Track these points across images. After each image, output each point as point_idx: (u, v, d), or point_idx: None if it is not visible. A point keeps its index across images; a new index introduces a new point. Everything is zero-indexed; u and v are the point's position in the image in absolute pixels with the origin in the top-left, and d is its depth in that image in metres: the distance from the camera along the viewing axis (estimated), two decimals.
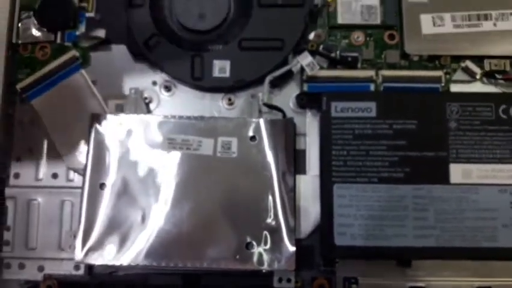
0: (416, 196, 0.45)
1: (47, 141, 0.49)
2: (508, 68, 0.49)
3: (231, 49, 0.48)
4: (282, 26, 0.48)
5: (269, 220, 0.44)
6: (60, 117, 0.49)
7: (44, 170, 0.49)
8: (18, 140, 0.49)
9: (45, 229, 0.47)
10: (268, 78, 0.48)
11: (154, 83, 0.50)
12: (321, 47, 0.49)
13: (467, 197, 0.45)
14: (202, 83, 0.48)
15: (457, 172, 0.46)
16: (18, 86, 0.48)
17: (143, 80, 0.50)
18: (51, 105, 0.49)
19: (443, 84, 0.48)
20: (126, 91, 0.49)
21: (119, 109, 0.49)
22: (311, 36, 0.49)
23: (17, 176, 0.48)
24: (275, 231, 0.44)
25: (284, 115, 0.48)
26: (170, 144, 0.46)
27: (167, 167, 0.46)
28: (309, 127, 0.48)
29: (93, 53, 0.50)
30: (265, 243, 0.44)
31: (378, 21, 0.49)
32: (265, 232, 0.44)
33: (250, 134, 0.46)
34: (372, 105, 0.47)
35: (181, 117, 0.47)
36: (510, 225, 0.45)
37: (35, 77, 0.48)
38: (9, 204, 0.48)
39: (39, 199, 0.48)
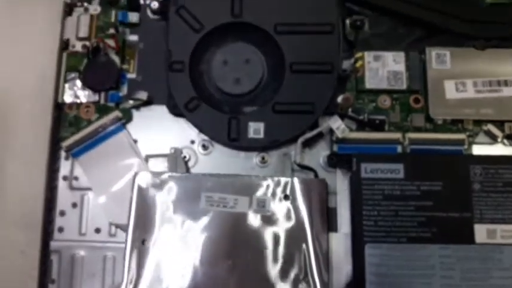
0: (443, 255, 0.48)
1: (90, 196, 0.53)
2: None
3: (265, 112, 0.52)
4: (312, 91, 0.52)
5: (304, 278, 0.48)
6: (103, 174, 0.52)
7: (87, 224, 0.52)
8: (62, 195, 0.53)
9: (89, 283, 0.50)
10: (300, 140, 0.52)
11: (192, 142, 0.54)
12: (349, 110, 0.53)
13: (492, 257, 0.48)
14: (238, 143, 0.52)
15: (482, 232, 0.49)
16: (64, 144, 0.52)
17: (182, 139, 0.54)
18: (94, 162, 0.53)
19: (466, 147, 0.52)
20: (166, 149, 0.53)
21: (160, 167, 0.53)
22: (340, 99, 0.53)
23: (61, 230, 0.52)
24: None
25: (316, 175, 0.51)
26: (208, 201, 0.50)
27: (206, 224, 0.49)
28: (339, 186, 0.52)
29: (135, 111, 0.54)
30: None
31: (404, 87, 0.53)
32: None
33: (285, 193, 0.50)
34: (400, 167, 0.51)
35: (218, 175, 0.51)
36: None
37: (80, 135, 0.52)
38: (54, 257, 0.51)
39: (83, 253, 0.51)
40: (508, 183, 0.50)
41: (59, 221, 0.52)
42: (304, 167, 0.52)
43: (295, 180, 0.50)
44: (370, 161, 0.51)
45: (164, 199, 0.50)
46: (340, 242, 0.50)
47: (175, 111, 0.53)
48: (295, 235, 0.48)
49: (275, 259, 0.48)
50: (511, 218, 0.49)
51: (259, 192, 0.50)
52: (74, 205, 0.53)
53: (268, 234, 0.48)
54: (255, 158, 0.53)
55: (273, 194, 0.50)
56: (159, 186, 0.50)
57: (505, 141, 0.53)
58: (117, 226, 0.51)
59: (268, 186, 0.50)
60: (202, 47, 0.54)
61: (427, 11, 0.54)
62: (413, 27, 0.55)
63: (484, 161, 0.51)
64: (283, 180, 0.50)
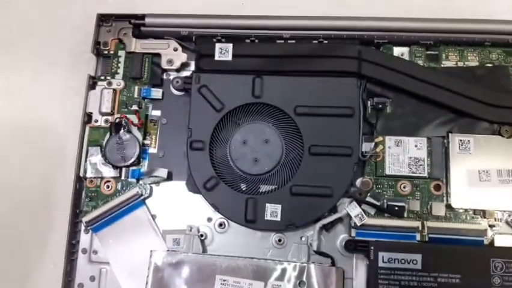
0: None
1: (108, 270, 0.57)
2: None
3: (282, 194, 0.56)
4: (331, 174, 0.55)
5: None
6: (121, 249, 0.57)
7: None
8: (81, 268, 0.57)
9: None
10: (317, 226, 0.55)
11: (209, 220, 0.58)
12: (368, 194, 0.56)
13: None
14: (254, 225, 0.55)
15: None
16: (84, 219, 0.57)
17: (199, 216, 0.58)
18: (113, 237, 0.57)
19: (488, 237, 0.54)
20: (183, 226, 0.57)
21: (177, 243, 0.56)
22: (358, 183, 0.56)
23: None
24: None
25: (333, 262, 0.54)
26: (222, 285, 0.53)
27: None
28: (356, 271, 0.54)
29: (155, 187, 0.59)
30: None
31: (425, 174, 0.56)
32: None
33: (300, 279, 0.53)
34: (418, 257, 0.53)
35: (233, 257, 0.54)
36: None
37: (100, 211, 0.57)
38: None
39: None
40: None
41: None
42: (322, 254, 0.55)
43: (312, 267, 0.53)
44: (388, 250, 0.53)
45: (180, 279, 0.53)
46: None
47: (194, 189, 0.57)
48: None
49: None
50: None
51: (274, 277, 0.53)
52: (93, 278, 0.57)
53: None
54: (271, 238, 0.57)
55: (288, 280, 0.53)
56: (175, 265, 0.54)
57: None
58: None
59: (283, 271, 0.53)
60: (222, 126, 0.58)
61: (452, 94, 0.57)
62: (437, 111, 0.57)
63: (505, 254, 0.53)
64: (299, 265, 0.53)
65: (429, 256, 0.53)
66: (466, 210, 0.55)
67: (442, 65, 0.59)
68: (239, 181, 0.58)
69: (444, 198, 0.56)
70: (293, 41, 0.61)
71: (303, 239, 0.56)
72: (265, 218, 0.55)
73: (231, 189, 0.57)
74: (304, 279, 0.53)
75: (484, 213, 0.55)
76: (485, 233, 0.54)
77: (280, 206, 0.56)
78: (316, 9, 0.63)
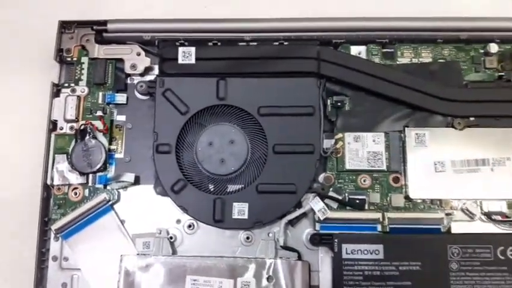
0: None
1: (79, 277, 0.59)
2: (504, 209, 0.59)
3: (249, 192, 0.59)
4: (294, 171, 0.59)
5: None
6: (92, 254, 0.59)
7: None
8: (52, 275, 0.60)
9: None
10: (283, 222, 0.58)
11: (178, 222, 0.61)
12: (330, 189, 0.60)
13: None
14: (222, 224, 0.59)
15: None
16: (53, 227, 0.59)
17: (168, 219, 0.61)
18: (83, 243, 0.59)
19: (444, 225, 0.59)
20: (152, 229, 0.60)
21: (146, 246, 0.59)
22: (321, 178, 0.61)
23: None
24: None
25: (299, 256, 0.58)
26: (193, 285, 0.56)
27: None
28: (322, 264, 0.58)
29: (123, 192, 0.61)
30: None
31: (384, 167, 0.60)
32: None
33: (268, 274, 0.56)
34: (380, 247, 0.57)
35: (202, 257, 0.57)
36: None
37: (69, 218, 0.59)
38: None
39: None
40: (484, 262, 0.57)
41: None
42: (288, 249, 0.58)
43: (278, 262, 0.56)
44: (351, 241, 0.57)
45: (150, 282, 0.56)
46: None
47: (162, 192, 0.60)
48: None
49: None
50: None
51: (243, 274, 0.56)
52: (64, 285, 0.59)
53: None
54: (240, 236, 0.60)
55: (257, 276, 0.56)
56: (145, 268, 0.57)
57: (483, 217, 0.60)
58: None
59: (252, 268, 0.57)
60: (188, 128, 0.61)
61: (407, 90, 0.61)
62: (393, 107, 0.62)
63: (461, 240, 0.57)
64: (267, 262, 0.57)
65: (390, 246, 0.57)
66: (423, 200, 0.60)
67: (398, 62, 0.64)
68: (206, 182, 0.61)
69: (403, 190, 0.60)
70: (255, 43, 0.64)
71: (270, 235, 0.60)
72: (233, 217, 0.59)
73: (199, 190, 0.60)
74: (272, 274, 0.56)
75: (440, 203, 0.60)
76: (442, 221, 0.59)
77: (247, 204, 0.59)
78: (277, 11, 0.66)
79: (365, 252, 0.57)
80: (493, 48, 0.63)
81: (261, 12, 0.66)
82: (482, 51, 0.64)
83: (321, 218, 0.58)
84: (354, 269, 0.57)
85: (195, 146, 0.61)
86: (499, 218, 0.59)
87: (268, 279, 0.56)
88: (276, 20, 0.64)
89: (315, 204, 0.58)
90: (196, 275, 0.56)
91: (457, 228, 0.59)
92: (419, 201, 0.60)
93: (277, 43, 0.64)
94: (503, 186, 0.59)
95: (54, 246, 0.60)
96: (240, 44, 0.65)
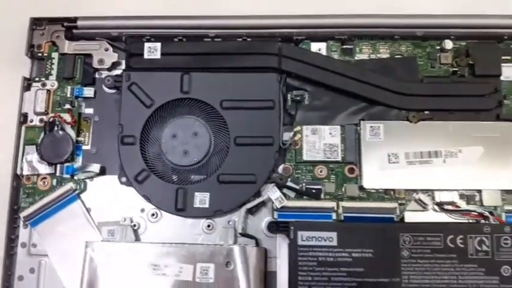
0: None
1: (47, 262, 0.63)
2: (456, 199, 0.63)
3: (210, 182, 0.64)
4: (255, 162, 0.63)
5: None
6: (59, 241, 0.63)
7: None
8: (21, 261, 0.64)
9: None
10: (243, 210, 0.62)
11: (142, 210, 0.65)
12: (289, 179, 0.64)
13: None
14: (184, 213, 0.63)
15: None
16: (22, 214, 0.64)
17: (132, 208, 0.65)
18: (51, 230, 0.64)
19: (397, 214, 0.63)
20: (117, 217, 0.64)
21: (111, 234, 0.63)
22: (280, 169, 0.65)
23: None
24: None
25: (257, 242, 0.62)
26: (154, 270, 0.60)
27: None
28: (279, 250, 0.62)
29: (89, 182, 0.65)
30: None
31: (339, 158, 0.64)
32: None
33: (227, 260, 0.60)
34: (334, 235, 0.61)
35: (164, 244, 0.61)
36: None
37: (37, 206, 0.64)
38: None
39: None
40: (434, 250, 0.60)
41: (17, 286, 0.63)
42: (246, 236, 0.62)
43: (236, 248, 0.60)
44: (306, 229, 0.61)
45: (114, 267, 0.60)
46: None
47: (126, 183, 0.64)
48: None
49: None
50: (437, 283, 0.59)
51: (203, 260, 0.60)
52: (32, 270, 0.63)
53: None
54: (201, 224, 0.64)
55: (216, 262, 0.60)
56: (109, 255, 0.60)
57: (436, 207, 0.63)
58: None
59: (211, 253, 0.60)
60: (152, 121, 0.66)
61: (364, 85, 0.65)
62: (350, 101, 0.66)
63: (413, 229, 0.61)
64: (225, 248, 0.61)
65: (343, 233, 0.61)
66: (377, 190, 0.64)
67: (356, 58, 0.68)
68: (170, 173, 0.65)
69: (358, 180, 0.64)
70: (219, 39, 0.69)
71: (230, 223, 0.64)
72: (195, 206, 0.63)
73: (162, 180, 0.64)
74: (230, 260, 0.60)
75: (393, 193, 0.64)
76: (395, 211, 0.63)
77: (208, 194, 0.63)
78: (240, 9, 0.70)
79: (320, 239, 0.61)
80: (448, 44, 0.67)
81: (226, 10, 0.69)
82: (438, 47, 0.68)
83: (278, 206, 0.62)
84: (308, 255, 0.60)
85: (159, 138, 0.65)
86: (450, 208, 0.64)
87: (226, 264, 0.60)
88: (239, 17, 0.68)
89: (272, 193, 0.62)
90: (158, 261, 0.61)
91: (410, 217, 0.63)
92: (372, 191, 0.64)
93: (240, 39, 0.68)
94: (454, 177, 0.63)
95: (23, 233, 0.64)
96: (205, 40, 0.68)
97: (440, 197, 0.63)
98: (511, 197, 0.64)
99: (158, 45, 0.67)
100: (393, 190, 0.64)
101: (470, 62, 0.67)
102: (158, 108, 0.65)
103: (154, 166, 0.65)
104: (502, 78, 0.67)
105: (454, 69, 0.67)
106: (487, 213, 0.63)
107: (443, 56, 0.67)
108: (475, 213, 0.63)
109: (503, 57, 0.67)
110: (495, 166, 0.64)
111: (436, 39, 0.68)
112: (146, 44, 0.67)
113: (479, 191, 0.64)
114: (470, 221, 0.64)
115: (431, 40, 0.68)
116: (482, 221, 0.63)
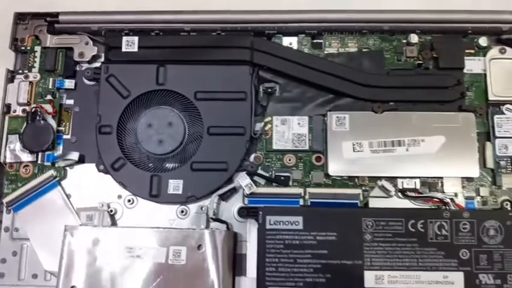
0: None
1: (28, 246, 0.68)
2: (418, 186, 0.67)
3: (184, 170, 0.68)
4: (227, 151, 0.68)
5: None
6: (40, 226, 0.67)
7: (25, 271, 0.67)
8: (4, 245, 0.68)
9: None
10: (214, 196, 0.66)
11: (119, 197, 0.69)
12: (259, 167, 0.68)
13: None
14: (158, 199, 0.67)
15: (371, 278, 0.63)
16: (5, 200, 0.68)
17: (110, 194, 0.69)
18: (32, 216, 0.68)
19: (361, 200, 0.67)
20: (96, 203, 0.68)
21: (89, 219, 0.67)
22: (252, 158, 0.69)
23: (2, 275, 0.67)
24: None
25: (228, 227, 0.66)
26: (129, 252, 0.64)
27: (127, 273, 0.63)
28: (249, 235, 0.66)
29: (69, 169, 0.70)
30: None
31: (307, 147, 0.68)
32: None
33: (198, 243, 0.64)
34: (300, 219, 0.65)
35: (139, 228, 0.65)
36: None
37: (19, 192, 0.68)
38: None
39: None
40: (396, 234, 0.64)
41: (0, 268, 0.67)
42: (217, 220, 0.67)
43: (207, 232, 0.64)
44: (274, 213, 0.65)
45: (91, 250, 0.64)
46: (247, 286, 0.65)
47: (103, 170, 0.68)
48: (204, 282, 0.62)
49: None
50: (398, 265, 0.63)
51: (176, 243, 0.64)
52: (15, 253, 0.68)
53: (182, 281, 0.62)
54: (176, 210, 0.68)
55: (188, 245, 0.64)
56: (87, 238, 0.64)
57: (399, 194, 0.67)
58: (51, 273, 0.66)
59: (184, 237, 0.64)
60: (129, 111, 0.70)
61: (332, 78, 0.69)
62: (319, 93, 0.70)
63: (375, 214, 0.65)
64: (197, 232, 0.65)
65: (309, 218, 0.64)
66: (342, 177, 0.68)
67: (326, 52, 0.72)
68: (145, 161, 0.69)
69: (324, 168, 0.68)
70: (194, 34, 0.72)
71: (203, 208, 0.68)
72: (168, 192, 0.67)
73: (137, 168, 0.68)
74: (202, 243, 0.64)
75: (357, 180, 0.68)
76: (359, 197, 0.67)
77: (182, 181, 0.67)
78: (214, 4, 0.73)
79: (286, 223, 0.65)
80: (413, 38, 0.71)
81: (201, 4, 0.73)
82: (404, 41, 0.72)
83: (248, 193, 0.66)
84: (276, 238, 0.64)
85: (135, 128, 0.69)
86: (413, 194, 0.68)
87: (198, 247, 0.64)
88: (214, 12, 0.72)
89: (242, 180, 0.66)
90: (133, 244, 0.64)
91: (375, 203, 0.68)
92: (338, 178, 0.68)
93: (214, 33, 0.72)
94: (417, 165, 0.67)
95: (6, 218, 0.69)
96: (182, 34, 0.72)
97: (402, 184, 0.67)
98: (471, 184, 0.68)
99: (135, 38, 0.71)
100: (357, 177, 0.68)
101: (435, 55, 0.70)
102: (135, 99, 0.69)
103: (130, 154, 0.69)
104: (464, 71, 0.70)
105: (419, 62, 0.71)
106: (447, 200, 0.67)
107: (409, 49, 0.71)
108: (436, 199, 0.67)
109: (466, 51, 0.71)
110: (456, 155, 0.68)
111: (403, 33, 0.72)
112: (124, 38, 0.71)
113: (441, 179, 0.68)
114: (432, 207, 0.68)
115: (398, 34, 0.72)
116: (444, 207, 0.67)
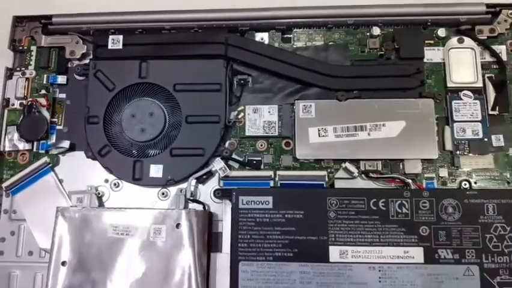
0: (302, 272, 0.66)
1: (25, 226, 0.72)
2: (380, 168, 0.70)
3: (164, 156, 0.72)
4: (203, 138, 0.72)
5: None
6: (35, 208, 0.72)
7: (22, 248, 0.72)
8: (3, 225, 0.73)
9: None
10: (191, 179, 0.70)
11: (106, 181, 0.74)
12: (233, 152, 0.72)
13: (343, 273, 0.65)
14: (140, 182, 0.71)
15: (335, 253, 0.66)
16: (4, 184, 0.73)
17: (97, 178, 0.74)
18: (29, 199, 0.73)
19: (326, 181, 0.70)
20: (85, 187, 0.73)
21: (80, 201, 0.72)
22: (227, 144, 0.73)
23: (1, 253, 0.72)
24: None
25: (204, 207, 0.70)
26: (114, 230, 0.68)
27: (113, 249, 0.68)
28: (225, 214, 0.70)
29: (61, 157, 0.75)
30: None
31: (276, 133, 0.72)
32: None
33: (176, 222, 0.68)
34: (270, 199, 0.68)
35: (124, 208, 0.69)
36: None
37: (16, 177, 0.73)
38: None
39: (18, 272, 0.71)
40: (359, 212, 0.67)
41: (0, 246, 0.72)
42: (194, 201, 0.71)
43: (184, 212, 0.68)
44: (246, 194, 0.69)
45: (80, 228, 0.69)
46: (223, 261, 0.68)
47: (91, 156, 0.73)
48: (182, 257, 0.66)
49: (167, 276, 0.66)
50: (360, 241, 0.66)
51: (157, 223, 0.68)
52: (13, 233, 0.73)
53: (162, 257, 0.66)
54: (157, 192, 0.73)
55: (167, 224, 0.68)
56: (77, 218, 0.69)
57: (363, 176, 0.70)
58: (45, 250, 0.71)
59: (164, 217, 0.68)
60: (114, 103, 0.74)
61: (299, 69, 0.73)
62: (288, 84, 0.74)
63: (339, 193, 0.68)
64: (176, 212, 0.69)
65: (278, 197, 0.68)
66: (309, 160, 0.72)
67: (294, 46, 0.76)
68: (129, 148, 0.74)
69: (292, 152, 0.72)
70: (174, 31, 0.77)
71: (182, 191, 0.72)
72: (150, 176, 0.71)
73: (121, 154, 0.73)
74: (180, 222, 0.68)
75: (323, 162, 0.71)
76: (324, 178, 0.70)
77: (162, 165, 0.72)
78: (192, 3, 0.77)
79: (258, 203, 0.68)
80: (376, 31, 0.74)
81: (180, 5, 0.77)
82: (367, 34, 0.75)
83: (222, 175, 0.70)
84: (248, 217, 0.68)
85: (119, 118, 0.74)
86: (375, 175, 0.71)
87: (177, 226, 0.68)
88: (191, 11, 0.76)
89: (216, 164, 0.70)
90: (118, 223, 0.69)
91: (340, 184, 0.71)
92: (305, 161, 0.72)
93: (192, 31, 0.76)
94: (378, 149, 0.70)
95: (5, 201, 0.74)
96: (163, 32, 0.77)
97: (365, 166, 0.71)
98: (431, 165, 0.72)
99: (120, 37, 0.76)
100: (323, 160, 0.71)
101: (396, 46, 0.74)
102: (120, 92, 0.74)
103: (115, 142, 0.73)
104: (424, 60, 0.74)
105: (381, 53, 0.75)
106: (408, 180, 0.70)
107: (372, 41, 0.75)
108: (398, 180, 0.71)
109: (426, 42, 0.75)
110: (416, 138, 0.71)
111: (366, 27, 0.75)
112: (110, 37, 0.76)
113: (401, 161, 0.71)
114: (395, 187, 0.71)
115: (361, 28, 0.75)
116: (405, 187, 0.70)
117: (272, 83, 0.74)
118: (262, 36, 0.76)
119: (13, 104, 0.76)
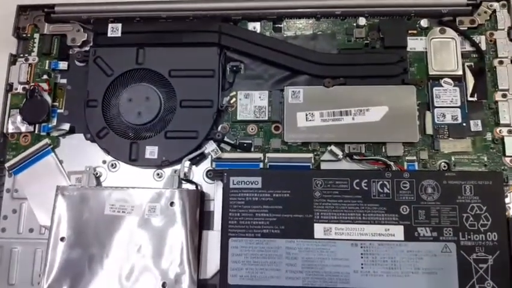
0: (288, 247, 0.68)
1: (26, 204, 0.74)
2: (363, 151, 0.72)
3: (159, 138, 0.74)
4: (197, 121, 0.73)
5: (180, 266, 0.67)
6: (36, 187, 0.74)
7: (23, 226, 0.74)
8: (5, 203, 0.75)
9: (22, 270, 0.72)
10: (184, 160, 0.72)
11: (104, 162, 0.75)
12: (225, 136, 0.74)
13: (327, 249, 0.67)
14: (136, 163, 0.73)
15: (320, 230, 0.68)
16: (7, 164, 0.75)
17: (96, 159, 0.75)
18: (30, 178, 0.75)
19: (313, 163, 0.72)
20: (83, 168, 0.74)
21: (78, 180, 0.74)
22: (220, 127, 0.75)
23: (3, 230, 0.74)
24: (183, 274, 0.67)
25: (196, 187, 0.72)
26: (111, 208, 0.70)
27: (109, 225, 0.69)
28: (216, 194, 0.72)
29: (62, 139, 0.76)
30: (176, 283, 0.67)
31: (266, 118, 0.74)
32: (176, 274, 0.67)
33: (171, 200, 0.70)
34: (259, 179, 0.70)
35: (120, 188, 0.71)
36: (359, 271, 0.67)
37: (19, 158, 0.75)
38: None
39: (19, 248, 0.73)
40: (342, 192, 0.69)
41: (2, 223, 0.74)
42: (187, 181, 0.72)
43: (177, 191, 0.70)
44: (237, 175, 0.71)
45: (79, 206, 0.70)
46: (214, 238, 0.70)
47: (90, 138, 0.75)
48: (175, 233, 0.68)
49: (161, 251, 0.68)
50: (343, 219, 0.68)
51: (151, 200, 0.70)
52: (14, 211, 0.75)
53: (157, 233, 0.68)
54: (153, 173, 0.74)
55: (162, 202, 0.70)
56: (75, 197, 0.71)
57: (347, 158, 0.72)
58: (45, 227, 0.73)
59: (159, 195, 0.70)
60: (112, 88, 0.76)
61: (289, 57, 0.75)
62: (278, 71, 0.75)
63: (324, 174, 0.70)
64: (170, 191, 0.71)
65: (267, 178, 0.70)
66: (296, 143, 0.73)
67: (285, 35, 0.78)
68: (126, 130, 0.75)
69: (281, 136, 0.74)
70: (170, 20, 0.79)
71: (176, 171, 0.74)
72: (145, 157, 0.73)
73: (118, 136, 0.74)
74: (174, 200, 0.71)
75: (310, 145, 0.73)
76: (311, 160, 0.72)
77: (157, 147, 0.73)
78: None
79: (247, 183, 0.70)
80: (362, 21, 0.76)
81: None
82: (354, 24, 0.77)
83: (214, 157, 0.72)
84: (238, 196, 0.70)
85: (117, 102, 0.75)
86: (358, 157, 0.73)
87: (171, 204, 0.70)
88: (187, 1, 0.78)
89: (209, 146, 0.72)
90: (115, 202, 0.71)
91: (326, 166, 0.72)
92: (293, 144, 0.73)
93: (187, 20, 0.78)
94: (362, 132, 0.72)
95: (8, 181, 0.76)
96: (160, 20, 0.79)
97: (349, 148, 0.73)
98: (412, 149, 0.73)
99: (119, 25, 0.77)
100: (310, 143, 0.73)
101: (381, 36, 0.76)
102: (118, 77, 0.76)
103: (113, 125, 0.75)
104: (408, 49, 0.76)
105: (366, 42, 0.76)
106: (390, 163, 0.72)
107: (358, 31, 0.76)
108: (381, 162, 0.72)
109: (409, 32, 0.76)
110: (399, 123, 0.72)
111: (353, 17, 0.77)
112: (110, 25, 0.77)
113: (384, 144, 0.73)
114: (377, 168, 0.73)
115: (348, 18, 0.77)
116: (387, 169, 0.72)
117: (263, 70, 0.76)
118: (254, 26, 0.78)
119: (16, 89, 0.78)
